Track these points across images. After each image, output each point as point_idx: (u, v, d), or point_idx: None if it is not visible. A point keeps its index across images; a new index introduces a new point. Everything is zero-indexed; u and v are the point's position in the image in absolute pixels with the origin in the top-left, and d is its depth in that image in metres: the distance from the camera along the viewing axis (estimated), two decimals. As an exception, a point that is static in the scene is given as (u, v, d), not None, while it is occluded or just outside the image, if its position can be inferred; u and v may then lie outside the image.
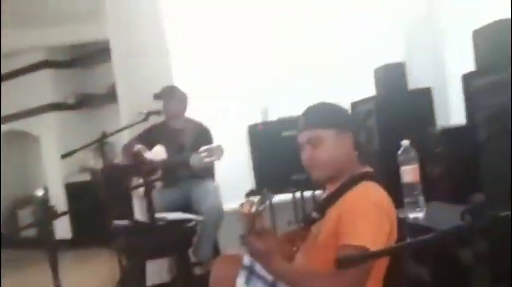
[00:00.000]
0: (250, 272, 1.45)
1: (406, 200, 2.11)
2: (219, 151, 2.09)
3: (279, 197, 3.35)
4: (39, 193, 6.27)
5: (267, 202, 1.46)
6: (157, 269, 3.20)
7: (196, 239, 2.85)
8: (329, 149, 1.48)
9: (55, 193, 5.99)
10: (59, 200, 5.93)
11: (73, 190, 5.83)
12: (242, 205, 1.42)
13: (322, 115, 1.51)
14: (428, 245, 1.20)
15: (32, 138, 6.53)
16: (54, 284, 1.55)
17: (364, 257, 0.82)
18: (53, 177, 6.18)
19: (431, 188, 2.42)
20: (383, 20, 4.03)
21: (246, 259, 1.48)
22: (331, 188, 1.56)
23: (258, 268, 1.47)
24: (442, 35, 3.77)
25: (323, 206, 1.53)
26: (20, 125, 6.49)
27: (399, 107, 3.15)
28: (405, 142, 2.13)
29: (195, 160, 1.95)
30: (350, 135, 1.51)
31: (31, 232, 5.77)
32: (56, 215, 1.54)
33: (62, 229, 6.13)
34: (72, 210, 6.02)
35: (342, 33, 4.08)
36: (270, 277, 1.46)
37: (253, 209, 1.39)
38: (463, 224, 0.72)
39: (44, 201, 6.06)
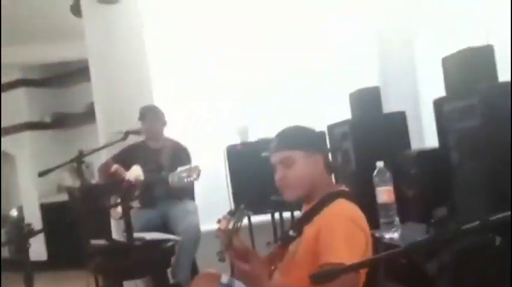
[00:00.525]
0: None
1: (382, 220, 2.16)
2: (196, 171, 2.12)
3: (257, 218, 3.38)
4: (14, 213, 6.17)
5: (244, 218, 1.50)
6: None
7: (175, 260, 2.84)
8: (299, 170, 1.55)
9: (30, 213, 5.87)
10: (35, 221, 5.80)
11: (49, 210, 5.72)
12: (219, 221, 1.45)
13: (293, 137, 1.60)
14: (397, 258, 1.25)
15: (7, 157, 6.41)
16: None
17: (337, 271, 0.85)
18: (28, 197, 6.07)
19: (406, 209, 2.48)
20: (359, 46, 4.19)
21: (224, 278, 1.50)
22: (307, 206, 1.61)
23: (237, 286, 1.48)
24: (417, 60, 3.92)
25: (300, 224, 1.58)
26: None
27: (374, 130, 3.21)
28: (379, 164, 2.20)
29: (174, 178, 1.97)
30: (320, 157, 1.58)
31: (5, 253, 5.64)
32: (33, 232, 1.54)
33: (37, 250, 6.00)
34: (48, 230, 5.89)
35: (319, 59, 4.22)
36: (248, 296, 1.48)
37: (231, 225, 1.42)
38: (428, 237, 0.77)
39: (18, 221, 5.94)
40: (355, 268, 0.86)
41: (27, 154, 6.02)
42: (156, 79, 3.90)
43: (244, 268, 1.40)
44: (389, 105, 3.75)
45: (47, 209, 5.76)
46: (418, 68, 3.94)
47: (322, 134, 1.66)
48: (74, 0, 3.80)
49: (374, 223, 2.02)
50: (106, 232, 2.16)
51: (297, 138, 1.59)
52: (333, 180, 1.64)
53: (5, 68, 5.87)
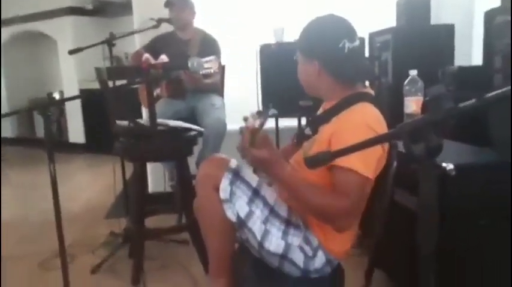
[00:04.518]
0: (235, 175, 1.46)
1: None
2: (217, 63, 2.06)
3: (285, 122, 3.37)
4: (56, 96, 6.42)
5: (270, 118, 1.45)
6: (161, 179, 3.34)
7: (199, 153, 2.92)
8: (299, 71, 1.55)
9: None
10: (74, 105, 6.07)
11: (88, 96, 5.91)
12: (246, 118, 1.36)
13: (299, 37, 1.54)
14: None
15: (50, 41, 6.53)
16: (50, 176, 1.62)
17: (328, 156, 0.82)
18: (69, 82, 6.27)
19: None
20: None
21: (233, 162, 1.48)
22: (326, 105, 1.55)
23: (244, 173, 1.48)
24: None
25: (316, 123, 1.53)
26: (37, 26, 6.47)
27: (418, 41, 3.03)
28: (412, 72, 2.09)
29: (193, 63, 1.93)
30: (314, 63, 1.48)
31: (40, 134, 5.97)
32: (53, 101, 1.60)
33: (76, 134, 6.33)
34: (86, 115, 6.15)
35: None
36: (254, 183, 1.47)
37: (257, 124, 1.34)
38: (421, 117, 0.72)
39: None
40: (348, 150, 0.81)
41: (68, 38, 6.10)
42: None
43: (262, 154, 1.33)
44: (440, 18, 3.51)
45: (86, 95, 5.95)
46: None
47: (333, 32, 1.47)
48: None
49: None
50: (130, 115, 2.20)
51: (299, 39, 1.53)
52: (355, 84, 1.53)
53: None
